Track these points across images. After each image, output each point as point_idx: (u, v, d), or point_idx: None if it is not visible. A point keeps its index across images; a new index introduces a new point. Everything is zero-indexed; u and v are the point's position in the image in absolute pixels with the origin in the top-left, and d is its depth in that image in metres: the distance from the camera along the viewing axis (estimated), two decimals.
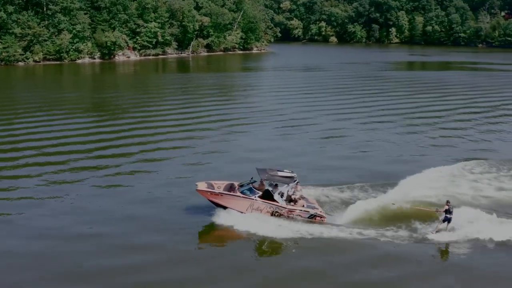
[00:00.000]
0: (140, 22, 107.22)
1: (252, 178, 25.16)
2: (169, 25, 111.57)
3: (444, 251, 22.02)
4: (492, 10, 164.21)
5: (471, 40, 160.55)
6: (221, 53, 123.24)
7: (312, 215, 23.98)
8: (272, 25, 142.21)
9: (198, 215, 24.12)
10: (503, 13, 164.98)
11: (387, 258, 20.58)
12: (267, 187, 24.56)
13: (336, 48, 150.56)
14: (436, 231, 22.71)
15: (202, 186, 24.43)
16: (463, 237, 22.41)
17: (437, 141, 39.08)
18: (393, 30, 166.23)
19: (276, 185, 24.57)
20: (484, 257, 21.25)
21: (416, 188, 27.18)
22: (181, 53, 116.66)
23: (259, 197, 24.08)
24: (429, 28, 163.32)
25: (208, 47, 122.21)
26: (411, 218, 23.77)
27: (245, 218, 23.50)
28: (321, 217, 24.04)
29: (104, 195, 26.87)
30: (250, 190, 24.53)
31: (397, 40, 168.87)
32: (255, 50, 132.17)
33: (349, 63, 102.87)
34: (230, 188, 24.64)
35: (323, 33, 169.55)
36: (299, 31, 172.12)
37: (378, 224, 23.55)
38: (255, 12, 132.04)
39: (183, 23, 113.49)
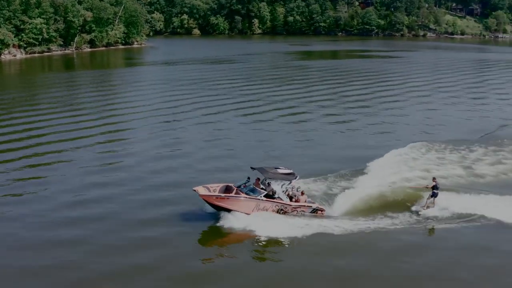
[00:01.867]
0: (25, 18, 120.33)
1: (248, 178, 30.01)
2: (53, 20, 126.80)
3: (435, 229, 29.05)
4: (349, 0, 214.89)
5: (331, 29, 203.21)
6: (104, 48, 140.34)
7: (314, 209, 29.62)
8: (151, 18, 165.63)
9: (200, 222, 28.80)
10: (357, 3, 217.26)
11: (409, 247, 26.48)
12: (262, 186, 29.42)
13: (207, 40, 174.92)
14: (426, 207, 30.48)
15: (203, 190, 28.15)
16: (451, 212, 30.08)
17: (376, 127, 51.54)
18: (255, 21, 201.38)
19: (269, 184, 29.58)
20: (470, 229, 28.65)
21: (391, 172, 35.81)
22: (66, 50, 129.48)
23: (264, 196, 28.58)
24: (290, 18, 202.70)
25: (91, 43, 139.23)
26: (399, 200, 31.42)
27: (254, 218, 27.85)
28: (321, 210, 29.86)
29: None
30: (253, 190, 28.97)
31: (259, 31, 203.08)
32: (136, 45, 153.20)
33: (243, 55, 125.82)
34: (226, 189, 28.70)
35: (186, 25, 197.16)
36: (160, 24, 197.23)
37: (375, 211, 29.96)
38: (135, 5, 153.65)
39: (68, 18, 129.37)
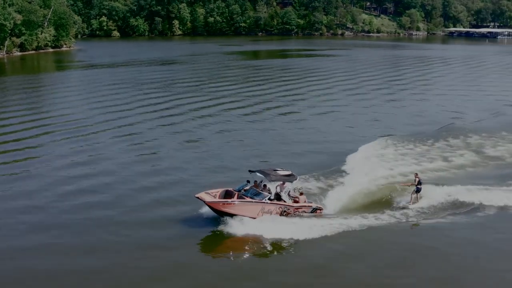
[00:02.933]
0: None
1: (248, 182, 33.31)
2: None
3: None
4: (268, 0, 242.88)
5: (251, 29, 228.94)
6: (34, 52, 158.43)
7: (314, 208, 33.75)
8: (79, 21, 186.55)
9: (199, 228, 32.00)
10: (275, 3, 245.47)
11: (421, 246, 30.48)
12: (261, 188, 32.90)
13: (132, 42, 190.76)
14: (412, 202, 35.67)
15: (208, 197, 31.42)
16: (434, 203, 35.94)
17: (343, 122, 60.80)
18: (176, 22, 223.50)
19: (264, 186, 33.03)
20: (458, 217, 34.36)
21: (373, 168, 41.94)
22: None
23: (268, 199, 32.04)
24: (211, 19, 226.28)
25: (21, 46, 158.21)
26: (384, 197, 36.80)
27: (262, 223, 31.25)
28: (320, 210, 34.04)
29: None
30: (257, 193, 32.32)
31: (180, 32, 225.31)
32: (64, 48, 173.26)
33: (185, 56, 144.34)
34: (226, 194, 32.03)
35: (105, 27, 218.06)
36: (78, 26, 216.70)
37: (368, 208, 34.82)
38: (64, 8, 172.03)
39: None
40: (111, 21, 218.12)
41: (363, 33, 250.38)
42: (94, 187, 39.08)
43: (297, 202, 34.03)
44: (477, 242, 31.95)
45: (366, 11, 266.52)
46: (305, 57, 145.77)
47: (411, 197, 36.40)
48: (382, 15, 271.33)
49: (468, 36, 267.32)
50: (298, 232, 30.80)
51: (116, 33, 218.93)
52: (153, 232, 31.67)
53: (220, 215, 31.67)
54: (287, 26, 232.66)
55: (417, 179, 36.63)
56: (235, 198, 31.65)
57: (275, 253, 29.73)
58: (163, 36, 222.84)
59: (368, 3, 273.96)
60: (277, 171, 33.89)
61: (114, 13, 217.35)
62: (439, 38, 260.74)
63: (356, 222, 32.76)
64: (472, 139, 53.48)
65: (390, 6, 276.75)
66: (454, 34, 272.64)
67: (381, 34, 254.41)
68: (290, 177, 33.94)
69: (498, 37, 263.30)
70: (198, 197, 31.60)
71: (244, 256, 30.16)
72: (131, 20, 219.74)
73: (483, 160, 47.56)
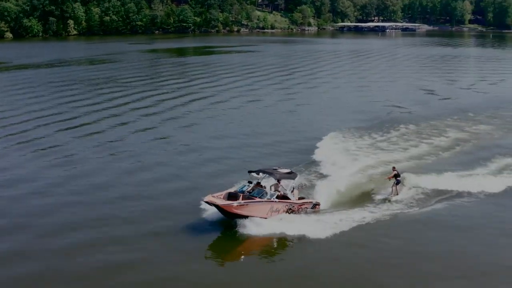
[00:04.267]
0: None
1: (249, 182, 34.45)
2: None
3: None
4: None
5: (147, 28, 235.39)
6: None
7: (314, 204, 35.57)
8: None
9: (209, 234, 32.38)
10: (170, 1, 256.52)
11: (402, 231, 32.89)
12: (258, 187, 34.08)
13: (29, 43, 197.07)
14: (393, 194, 37.85)
15: (220, 201, 31.83)
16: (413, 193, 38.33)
17: (288, 116, 64.15)
18: (70, 22, 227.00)
19: (258, 183, 34.34)
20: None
21: (346, 162, 44.41)
22: None
23: (276, 197, 33.54)
24: (106, 18, 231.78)
25: None
26: (366, 191, 38.87)
27: (276, 221, 32.61)
28: (318, 205, 35.85)
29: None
30: (263, 193, 33.50)
31: (75, 32, 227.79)
32: None
33: (100, 55, 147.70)
34: (230, 196, 32.65)
35: None
36: None
37: (357, 202, 36.81)
38: None
39: None
40: (3, 22, 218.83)
41: (258, 30, 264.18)
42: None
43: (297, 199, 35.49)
44: (470, 230, 34.19)
45: (259, 8, 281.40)
46: (225, 53, 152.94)
47: (392, 190, 38.79)
48: (274, 12, 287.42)
49: (357, 30, 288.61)
50: (316, 230, 32.02)
51: (8, 35, 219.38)
52: (168, 243, 31.37)
53: (230, 218, 32.36)
54: (184, 24, 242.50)
55: (394, 172, 39.25)
56: (240, 199, 32.23)
57: (311, 251, 30.52)
58: (57, 37, 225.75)
59: (260, 0, 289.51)
60: (278, 170, 35.76)
61: (6, 13, 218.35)
62: (329, 32, 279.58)
63: (361, 215, 34.77)
64: (418, 128, 58.02)
65: (281, 2, 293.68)
66: (345, 29, 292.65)
67: (275, 30, 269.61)
68: (292, 175, 35.92)
69: (387, 30, 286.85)
70: (208, 201, 31.89)
71: (282, 257, 30.56)
72: (24, 21, 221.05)
73: (439, 149, 51.09)
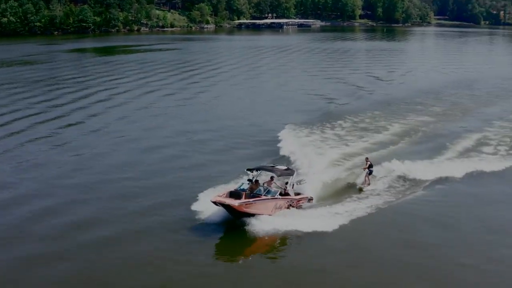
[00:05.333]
0: None
1: (249, 181, 35.30)
2: None
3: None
4: None
5: (47, 28, 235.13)
6: None
7: (309, 198, 37.46)
8: None
9: (215, 234, 33.14)
10: (68, 1, 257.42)
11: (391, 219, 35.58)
12: (260, 185, 35.06)
13: None
14: (367, 184, 40.37)
15: (230, 201, 32.52)
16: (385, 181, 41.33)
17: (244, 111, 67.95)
18: None
19: (257, 181, 35.29)
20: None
21: (320, 155, 47.23)
22: None
23: (279, 194, 34.75)
24: (4, 19, 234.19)
25: None
26: (346, 182, 41.49)
27: (283, 218, 33.80)
28: (312, 199, 37.69)
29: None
30: (268, 190, 34.68)
31: None
32: None
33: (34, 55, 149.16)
34: (231, 195, 33.30)
35: None
36: None
37: (341, 194, 39.41)
38: None
39: None
40: None
41: (158, 28, 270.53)
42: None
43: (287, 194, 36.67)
44: (462, 211, 37.76)
45: (157, 7, 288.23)
46: (150, 52, 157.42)
47: (365, 180, 41.36)
48: (172, 10, 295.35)
49: (255, 27, 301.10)
50: (324, 224, 33.64)
51: None
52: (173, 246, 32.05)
53: (237, 217, 33.26)
54: (84, 24, 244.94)
55: (368, 163, 41.81)
56: (243, 198, 33.06)
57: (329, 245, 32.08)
58: None
59: None
60: (276, 167, 37.87)
61: None
62: (228, 30, 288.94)
63: (361, 206, 37.12)
64: (365, 119, 62.71)
65: (178, 1, 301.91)
66: (242, 26, 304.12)
67: (174, 28, 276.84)
68: (290, 171, 37.80)
69: (284, 27, 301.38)
70: (216, 202, 32.72)
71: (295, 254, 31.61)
72: None
73: (394, 137, 55.60)
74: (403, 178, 42.61)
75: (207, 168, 45.49)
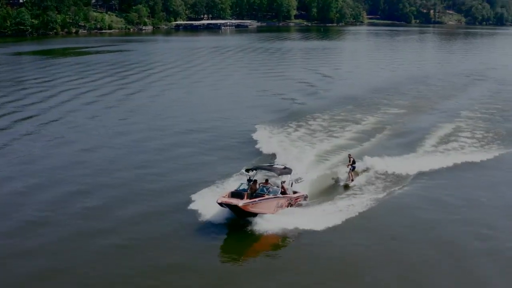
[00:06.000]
0: None
1: (248, 181, 35.85)
2: None
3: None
4: None
5: None
6: None
7: (305, 196, 38.33)
8: None
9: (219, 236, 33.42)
10: (4, 4, 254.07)
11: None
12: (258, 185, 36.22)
13: None
14: (351, 180, 41.45)
15: (237, 201, 33.06)
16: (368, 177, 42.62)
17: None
18: None
19: (255, 181, 36.19)
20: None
21: (301, 152, 48.19)
22: None
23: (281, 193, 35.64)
24: None
25: None
26: (327, 179, 42.72)
27: (286, 216, 34.57)
28: (307, 197, 38.67)
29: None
30: (269, 190, 35.68)
31: None
32: None
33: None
34: (233, 196, 34.07)
35: None
36: None
37: (330, 192, 40.55)
38: None
39: None
40: None
41: (96, 30, 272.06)
42: None
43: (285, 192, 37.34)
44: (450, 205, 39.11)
45: (93, 8, 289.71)
46: (91, 54, 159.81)
47: (349, 176, 42.66)
48: (109, 12, 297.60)
49: (193, 28, 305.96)
50: (330, 221, 34.71)
51: None
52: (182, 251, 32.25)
53: (241, 217, 34.01)
54: (22, 27, 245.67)
55: (351, 159, 43.06)
56: (246, 198, 33.99)
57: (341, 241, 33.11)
58: None
59: (94, 0, 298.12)
60: (274, 166, 39.39)
61: None
62: (165, 31, 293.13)
63: (360, 200, 38.60)
64: (332, 117, 64.48)
65: (115, 2, 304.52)
66: (180, 27, 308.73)
67: (113, 30, 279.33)
68: (288, 170, 38.89)
69: (222, 28, 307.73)
70: (222, 203, 33.33)
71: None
72: None
73: (365, 134, 57.38)
74: (385, 173, 44.17)
75: (190, 172, 45.71)
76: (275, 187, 36.66)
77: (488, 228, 35.26)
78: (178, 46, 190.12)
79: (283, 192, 36.81)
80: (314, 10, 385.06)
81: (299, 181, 40.89)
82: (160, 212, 37.26)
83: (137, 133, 59.61)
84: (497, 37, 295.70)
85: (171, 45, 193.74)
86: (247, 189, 35.41)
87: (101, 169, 46.70)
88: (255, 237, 33.17)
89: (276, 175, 37.97)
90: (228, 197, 34.01)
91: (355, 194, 40.27)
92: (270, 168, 38.39)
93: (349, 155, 44.20)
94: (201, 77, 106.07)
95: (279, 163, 42.08)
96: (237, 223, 34.39)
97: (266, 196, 34.95)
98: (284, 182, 37.51)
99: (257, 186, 36.50)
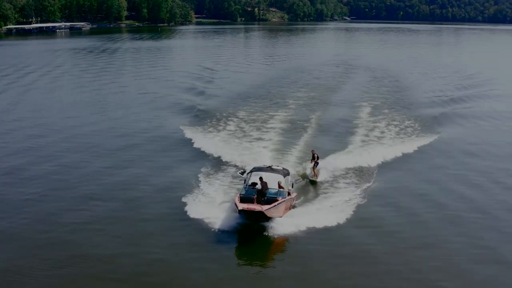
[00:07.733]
0: None
1: (253, 184, 36.38)
2: None
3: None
4: None
5: None
6: None
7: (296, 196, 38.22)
8: None
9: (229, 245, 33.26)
10: None
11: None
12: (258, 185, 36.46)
13: None
14: (316, 176, 41.73)
15: (258, 207, 33.30)
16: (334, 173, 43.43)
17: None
18: None
19: (255, 183, 36.39)
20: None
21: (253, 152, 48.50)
22: None
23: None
24: None
25: None
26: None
27: (295, 217, 35.30)
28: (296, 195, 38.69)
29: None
30: (277, 192, 35.96)
31: None
32: None
33: None
34: (243, 200, 34.29)
35: None
36: None
37: (310, 190, 41.14)
38: None
39: None
40: None
41: None
42: None
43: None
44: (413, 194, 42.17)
45: None
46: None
47: (313, 172, 43.27)
48: None
49: (26, 32, 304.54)
50: (337, 218, 35.99)
51: None
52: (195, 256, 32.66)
53: (253, 222, 34.16)
54: None
55: (315, 155, 43.41)
56: (255, 203, 34.70)
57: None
58: None
59: None
60: (273, 167, 39.45)
61: None
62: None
63: (351, 194, 40.40)
64: (241, 115, 65.24)
65: None
66: (13, 31, 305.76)
67: None
68: (287, 171, 39.49)
69: (57, 30, 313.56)
70: (245, 209, 33.35)
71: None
72: None
73: (294, 128, 59.04)
74: (345, 169, 45.67)
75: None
76: (281, 190, 36.76)
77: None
78: (25, 50, 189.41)
79: (288, 194, 37.20)
80: (145, 10, 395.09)
81: (298, 181, 42.51)
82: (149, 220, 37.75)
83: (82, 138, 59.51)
84: (317, 32, 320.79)
85: (18, 50, 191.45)
86: (254, 192, 36.10)
87: None
88: (278, 240, 34.07)
89: (282, 176, 38.00)
90: (239, 202, 34.16)
91: (337, 188, 42.04)
92: (272, 170, 38.62)
93: (312, 151, 45.15)
94: (86, 80, 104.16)
95: (274, 164, 42.16)
96: (234, 225, 35.21)
97: (280, 200, 35.24)
98: (280, 182, 37.47)
99: (261, 188, 36.88)
